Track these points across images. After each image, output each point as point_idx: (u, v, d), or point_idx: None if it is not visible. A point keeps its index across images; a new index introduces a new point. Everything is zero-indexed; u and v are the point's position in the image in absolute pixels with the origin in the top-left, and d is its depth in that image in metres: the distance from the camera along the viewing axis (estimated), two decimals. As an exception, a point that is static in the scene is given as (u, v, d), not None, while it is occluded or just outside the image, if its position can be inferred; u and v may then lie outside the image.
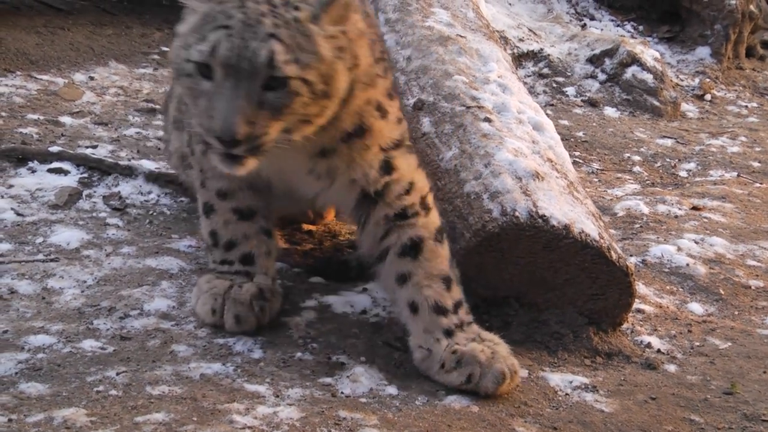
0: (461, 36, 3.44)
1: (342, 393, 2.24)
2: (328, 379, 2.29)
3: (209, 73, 2.03)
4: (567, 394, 2.39)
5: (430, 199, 2.41)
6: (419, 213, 2.36)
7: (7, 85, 4.44)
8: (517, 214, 2.49)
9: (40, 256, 2.84)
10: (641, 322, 2.88)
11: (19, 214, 3.12)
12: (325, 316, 2.66)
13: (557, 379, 2.46)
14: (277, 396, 2.17)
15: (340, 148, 2.28)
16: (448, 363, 2.26)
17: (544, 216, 2.49)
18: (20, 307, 2.50)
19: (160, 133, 3.94)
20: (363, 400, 2.24)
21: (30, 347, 2.31)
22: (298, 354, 2.41)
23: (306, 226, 3.22)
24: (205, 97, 2.05)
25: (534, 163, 2.71)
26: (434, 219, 2.39)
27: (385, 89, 2.35)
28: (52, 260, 2.84)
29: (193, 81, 2.08)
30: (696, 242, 3.55)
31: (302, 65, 2.02)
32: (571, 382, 2.45)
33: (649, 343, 2.74)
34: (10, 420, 1.99)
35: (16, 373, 2.18)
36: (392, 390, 2.32)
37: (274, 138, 2.04)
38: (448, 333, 2.30)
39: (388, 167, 2.34)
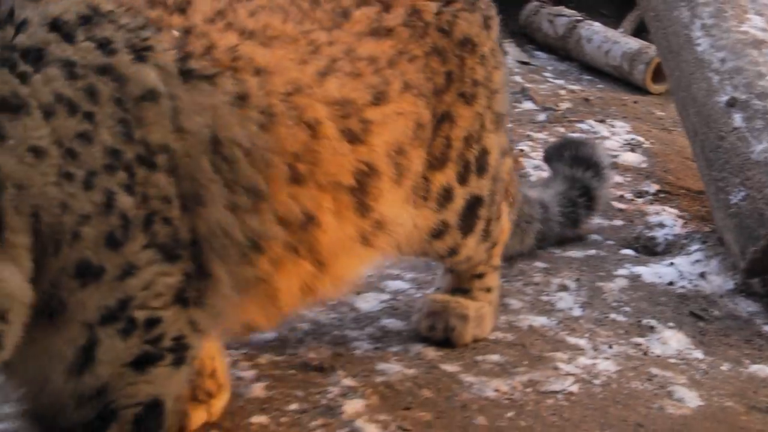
0: (775, 40, 3.72)
1: (652, 352, 2.60)
2: (640, 339, 2.68)
3: None
4: None
5: None
6: None
7: None
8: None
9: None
10: None
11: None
12: (636, 285, 3.06)
13: None
14: (595, 350, 2.61)
15: None
16: None
17: None
18: (380, 258, 3.33)
19: None
20: (672, 360, 2.57)
21: (389, 290, 3.03)
22: (612, 315, 2.83)
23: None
24: None
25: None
26: None
27: None
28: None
29: None
30: None
31: None
32: None
33: None
34: (376, 348, 2.72)
35: (379, 311, 2.91)
36: (699, 354, 2.63)
37: None
38: None
39: None
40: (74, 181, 1.46)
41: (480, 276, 2.59)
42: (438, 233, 2.42)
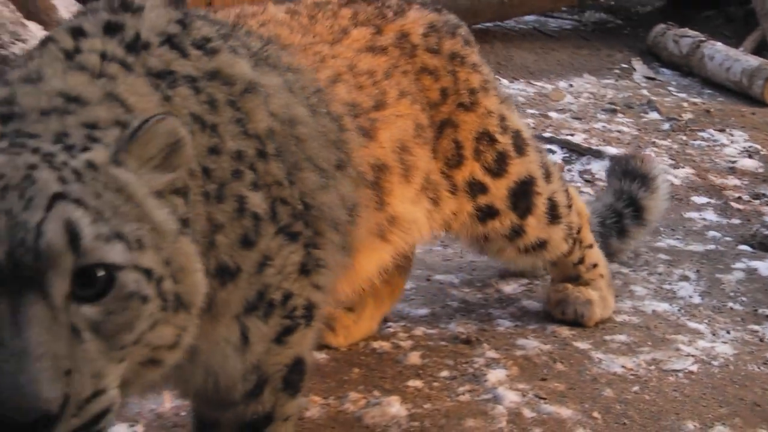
0: None
1: None
2: (756, 327, 2.87)
3: None
4: None
5: None
6: None
7: (514, 88, 6.18)
8: None
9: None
10: None
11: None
12: (752, 277, 3.26)
13: None
14: (714, 334, 2.82)
15: None
16: None
17: None
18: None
19: (621, 127, 5.21)
20: None
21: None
22: (730, 304, 3.04)
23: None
24: None
25: None
26: None
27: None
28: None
29: None
30: None
31: (130, 242, 1.21)
32: None
33: None
34: (516, 325, 2.99)
35: (520, 293, 3.21)
36: None
37: (113, 398, 1.20)
38: None
39: None
40: (210, 198, 1.47)
41: (581, 261, 2.80)
42: (484, 216, 2.61)
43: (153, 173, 1.29)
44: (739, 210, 4.10)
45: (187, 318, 1.33)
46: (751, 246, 3.64)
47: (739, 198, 4.26)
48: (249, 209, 1.56)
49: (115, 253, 1.18)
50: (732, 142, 5.04)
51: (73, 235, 1.14)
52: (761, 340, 2.81)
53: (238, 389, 1.67)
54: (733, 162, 4.73)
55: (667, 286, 3.24)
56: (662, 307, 3.10)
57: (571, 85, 6.41)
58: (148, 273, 1.22)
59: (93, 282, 1.16)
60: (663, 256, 3.54)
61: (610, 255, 3.26)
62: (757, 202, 4.21)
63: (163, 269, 1.26)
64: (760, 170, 4.63)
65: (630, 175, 3.43)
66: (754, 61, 5.66)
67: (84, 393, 1.13)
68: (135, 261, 1.20)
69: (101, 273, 1.16)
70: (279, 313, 1.69)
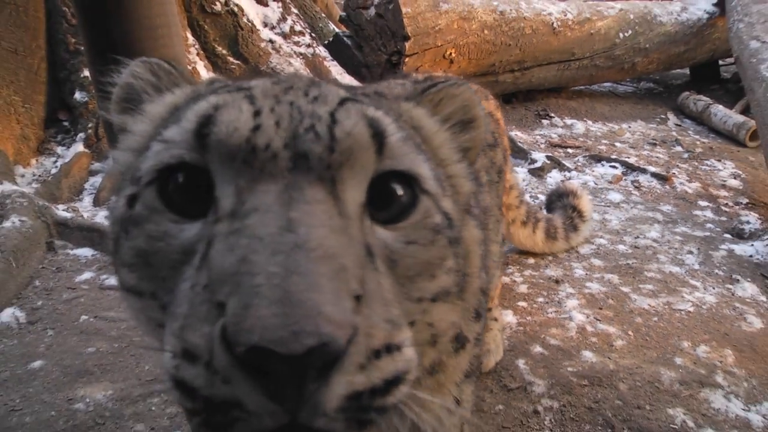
0: None
1: (737, 294, 3.47)
2: (731, 286, 3.56)
3: (203, 193, 0.86)
4: None
5: None
6: None
7: (594, 127, 7.55)
8: None
9: (601, 205, 4.92)
10: None
11: (594, 184, 5.56)
12: (731, 255, 4.03)
13: None
14: (704, 289, 3.54)
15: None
16: None
17: None
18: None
19: (659, 155, 6.45)
20: (748, 300, 3.42)
21: (596, 244, 4.13)
22: (716, 270, 3.77)
23: None
24: (201, 256, 0.81)
25: None
26: None
27: None
28: (606, 206, 4.82)
29: (157, 228, 0.87)
30: None
31: (434, 174, 0.95)
32: None
33: None
34: (586, 273, 3.67)
35: (589, 253, 3.99)
36: (763, 298, 3.44)
37: (410, 362, 0.82)
38: None
39: None
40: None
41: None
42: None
43: (448, 130, 1.06)
44: (726, 211, 4.95)
45: (460, 312, 0.98)
46: (732, 234, 4.42)
47: (727, 204, 5.13)
48: (487, 232, 1.34)
49: (424, 169, 0.90)
50: (725, 168, 6.11)
51: (376, 129, 0.87)
52: (732, 294, 3.53)
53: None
54: (725, 181, 5.70)
55: (679, 257, 4.01)
56: (675, 269, 3.85)
57: (629, 127, 7.70)
58: (448, 219, 0.92)
59: (390, 201, 0.87)
60: (678, 238, 4.39)
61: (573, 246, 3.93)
62: (737, 207, 5.07)
63: (455, 213, 0.95)
64: (740, 187, 5.54)
65: (563, 194, 4.00)
66: (740, 118, 7.19)
67: (376, 339, 0.75)
68: (439, 196, 0.91)
69: (401, 192, 0.87)
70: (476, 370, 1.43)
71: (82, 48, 5.09)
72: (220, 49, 6.45)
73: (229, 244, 0.77)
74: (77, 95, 5.48)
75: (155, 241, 0.87)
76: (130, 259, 0.92)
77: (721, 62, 9.64)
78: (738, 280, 3.74)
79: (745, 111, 7.64)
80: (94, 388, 2.48)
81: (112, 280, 3.45)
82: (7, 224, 3.81)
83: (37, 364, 2.75)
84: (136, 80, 1.09)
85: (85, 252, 3.85)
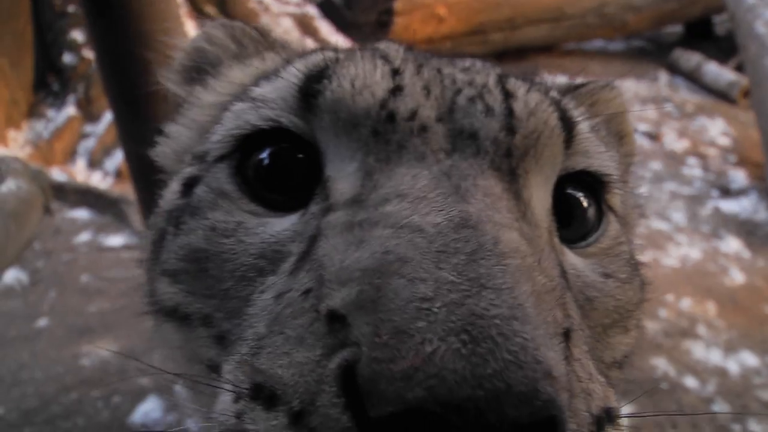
0: None
1: (722, 250, 3.84)
2: (715, 242, 3.92)
3: (300, 177, 0.67)
4: None
5: None
6: None
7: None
8: None
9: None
10: None
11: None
12: (717, 212, 4.32)
13: None
14: (690, 245, 3.87)
15: None
16: None
17: None
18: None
19: (650, 112, 6.47)
20: (731, 255, 3.80)
21: None
22: (701, 227, 4.08)
23: None
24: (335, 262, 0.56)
25: None
26: None
27: None
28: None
29: (226, 220, 0.67)
30: None
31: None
32: None
33: None
34: None
35: None
36: (747, 254, 3.81)
37: None
38: None
39: None
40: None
41: None
42: None
43: (605, 139, 0.86)
44: (714, 169, 5.09)
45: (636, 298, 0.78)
46: (719, 191, 4.63)
47: (715, 161, 5.26)
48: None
49: (615, 170, 0.71)
50: (715, 126, 6.15)
51: (563, 113, 0.68)
52: (716, 251, 3.88)
53: None
54: (714, 139, 5.80)
55: (666, 213, 4.26)
56: (662, 225, 4.15)
57: (621, 85, 7.46)
58: (631, 251, 0.74)
59: (572, 214, 0.67)
60: (665, 195, 4.57)
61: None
62: (725, 164, 5.23)
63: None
64: (730, 145, 5.69)
65: None
66: (733, 76, 7.17)
67: (596, 399, 0.54)
68: (624, 217, 0.75)
69: (586, 204, 0.68)
70: None
71: (69, 9, 5.11)
72: (208, 8, 6.47)
73: (356, 238, 0.53)
74: (66, 58, 5.51)
75: (221, 238, 0.64)
76: (175, 264, 0.68)
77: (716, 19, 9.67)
78: (723, 236, 4.01)
79: (740, 68, 7.60)
80: (98, 345, 2.57)
81: (111, 240, 3.54)
82: (3, 188, 3.93)
83: (42, 322, 2.89)
84: (212, 46, 0.91)
85: (82, 214, 3.98)
